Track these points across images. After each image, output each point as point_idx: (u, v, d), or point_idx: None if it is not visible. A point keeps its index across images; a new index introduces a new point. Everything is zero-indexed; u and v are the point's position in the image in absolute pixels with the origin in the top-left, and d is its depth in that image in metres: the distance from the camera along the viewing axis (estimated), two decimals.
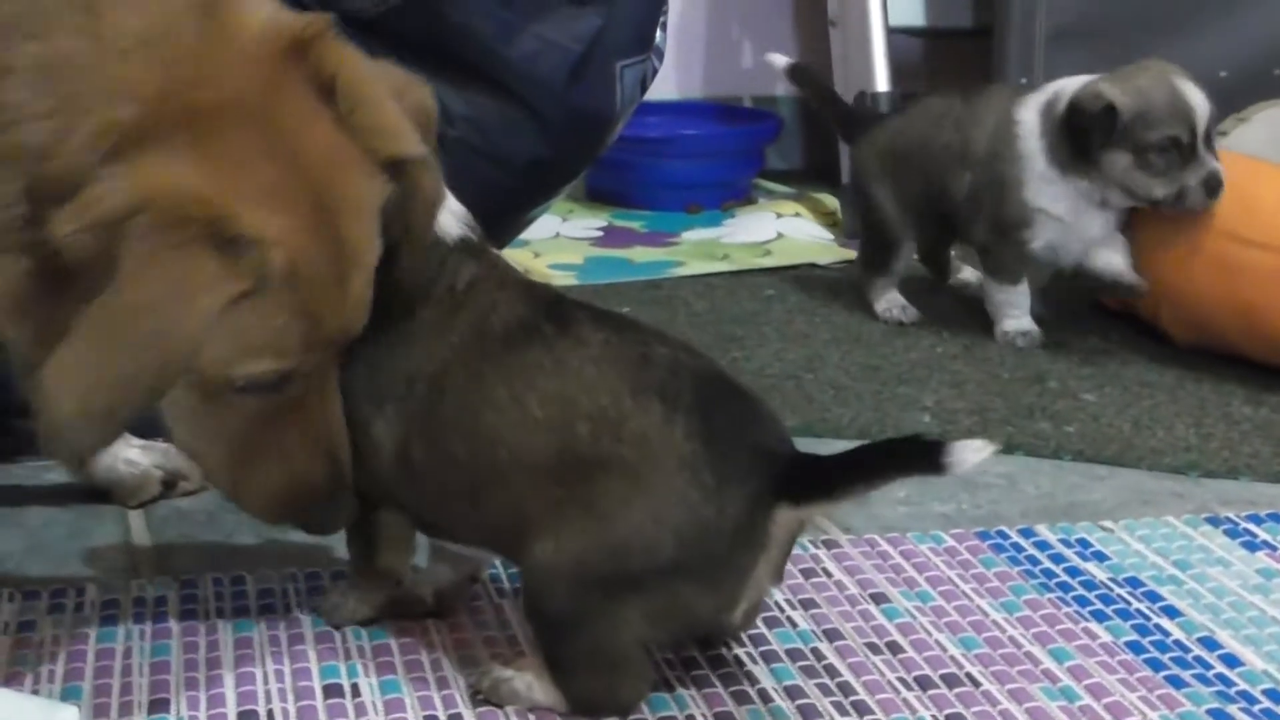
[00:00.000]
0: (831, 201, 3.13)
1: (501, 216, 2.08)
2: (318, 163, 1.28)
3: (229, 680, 1.42)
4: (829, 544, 1.69)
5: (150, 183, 1.20)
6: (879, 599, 1.58)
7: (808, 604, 1.57)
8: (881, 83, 3.05)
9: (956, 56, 3.56)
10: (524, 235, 2.46)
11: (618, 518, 1.30)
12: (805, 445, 1.92)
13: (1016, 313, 2.42)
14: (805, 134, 3.58)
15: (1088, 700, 1.40)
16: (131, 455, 1.80)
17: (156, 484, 1.80)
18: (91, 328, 1.19)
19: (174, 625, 1.51)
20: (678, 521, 1.29)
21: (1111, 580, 1.64)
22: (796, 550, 1.65)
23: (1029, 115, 2.37)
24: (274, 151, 1.26)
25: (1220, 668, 1.46)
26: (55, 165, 1.22)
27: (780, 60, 2.77)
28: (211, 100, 1.24)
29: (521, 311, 1.39)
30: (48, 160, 1.22)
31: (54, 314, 1.21)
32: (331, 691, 1.40)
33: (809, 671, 1.44)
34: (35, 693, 1.40)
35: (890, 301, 2.54)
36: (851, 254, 2.80)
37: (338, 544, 1.58)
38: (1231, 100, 2.79)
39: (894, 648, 1.49)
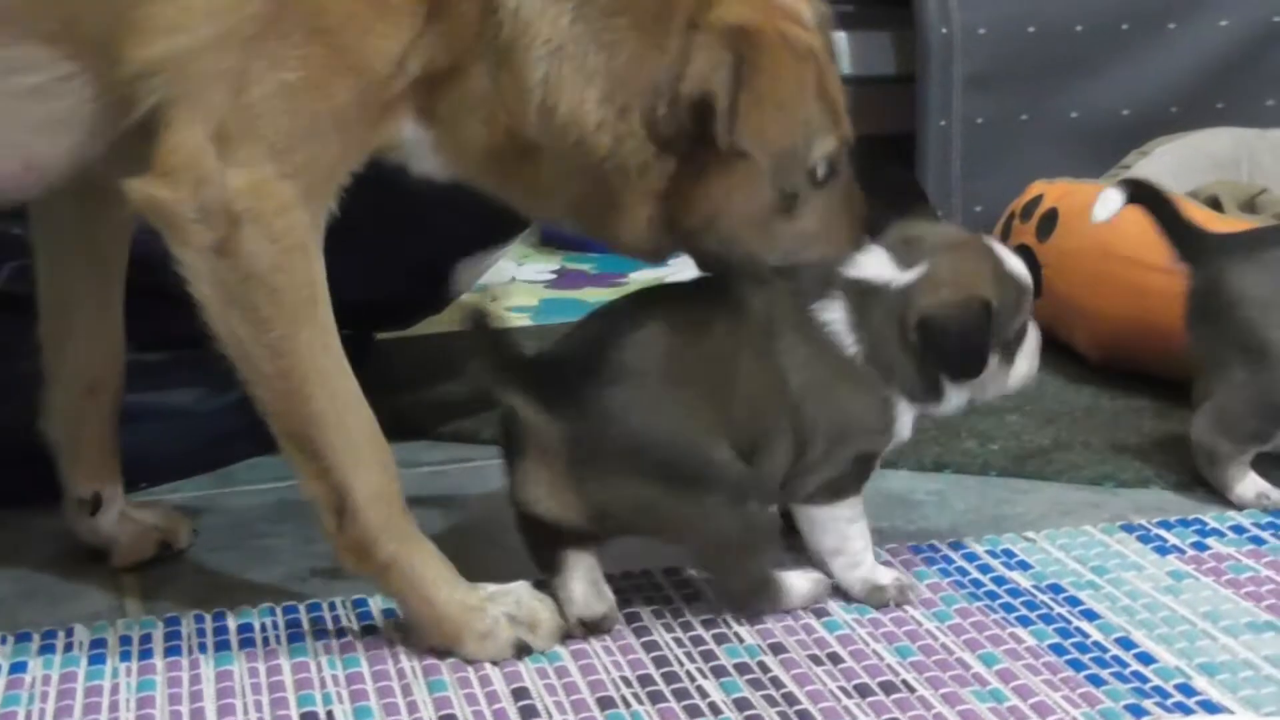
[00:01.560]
0: None
1: (456, 261, 2.08)
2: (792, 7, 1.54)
3: (211, 712, 1.42)
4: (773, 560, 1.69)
5: (730, 22, 1.46)
6: (820, 613, 1.58)
7: (753, 619, 1.56)
8: None
9: (881, 102, 3.57)
10: (482, 280, 2.45)
11: None
12: None
13: None
14: None
15: (1015, 701, 1.41)
16: (130, 513, 1.77)
17: (153, 544, 1.77)
18: (760, 103, 1.44)
19: (158, 662, 1.50)
20: None
21: (1035, 587, 1.64)
22: None
23: None
24: None
25: (1136, 665, 1.47)
26: (662, 66, 1.45)
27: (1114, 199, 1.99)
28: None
29: None
30: (656, 70, 1.45)
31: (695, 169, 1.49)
32: None
33: (755, 684, 1.44)
34: None
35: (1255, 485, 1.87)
36: None
37: (309, 580, 1.57)
38: (1134, 136, 2.81)
39: (835, 658, 1.49)
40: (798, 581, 1.58)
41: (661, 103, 1.44)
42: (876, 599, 1.59)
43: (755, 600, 1.56)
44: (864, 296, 1.57)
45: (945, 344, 1.56)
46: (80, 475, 1.74)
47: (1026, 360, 1.66)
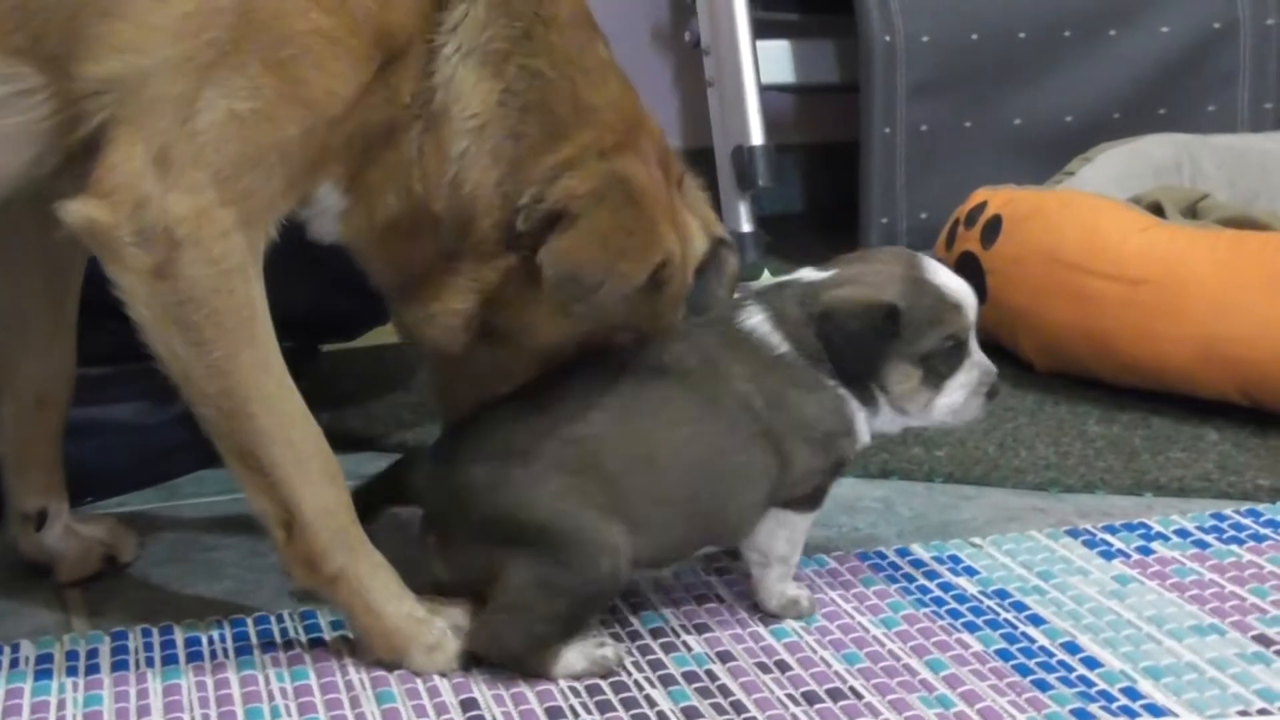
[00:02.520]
0: None
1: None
2: (680, 215, 1.58)
3: None
4: (720, 570, 1.70)
5: (626, 169, 1.49)
6: (768, 620, 1.59)
7: (701, 628, 1.57)
8: (756, 137, 3.07)
9: (825, 111, 3.59)
10: None
11: None
12: None
13: None
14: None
15: (962, 706, 1.41)
16: (75, 527, 1.76)
17: (98, 559, 1.76)
18: (590, 230, 1.46)
19: (105, 677, 1.50)
20: None
21: (981, 593, 1.65)
22: (689, 576, 1.67)
23: None
24: (668, 192, 1.56)
25: (1082, 670, 1.48)
26: (546, 174, 1.48)
27: None
28: (647, 143, 1.55)
29: None
30: (541, 176, 1.48)
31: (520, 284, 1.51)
32: None
33: (704, 692, 1.45)
34: None
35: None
36: None
37: (256, 594, 1.57)
38: (1077, 142, 2.83)
39: (782, 666, 1.50)
40: (572, 655, 1.48)
41: (528, 196, 1.47)
42: (793, 611, 1.59)
43: (528, 661, 1.48)
44: (778, 294, 1.58)
45: (837, 338, 1.54)
46: (26, 490, 1.74)
47: (961, 392, 1.58)
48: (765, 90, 3.13)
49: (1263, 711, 1.40)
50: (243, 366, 1.42)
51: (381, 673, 1.48)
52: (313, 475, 1.46)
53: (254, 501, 1.47)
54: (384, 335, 2.31)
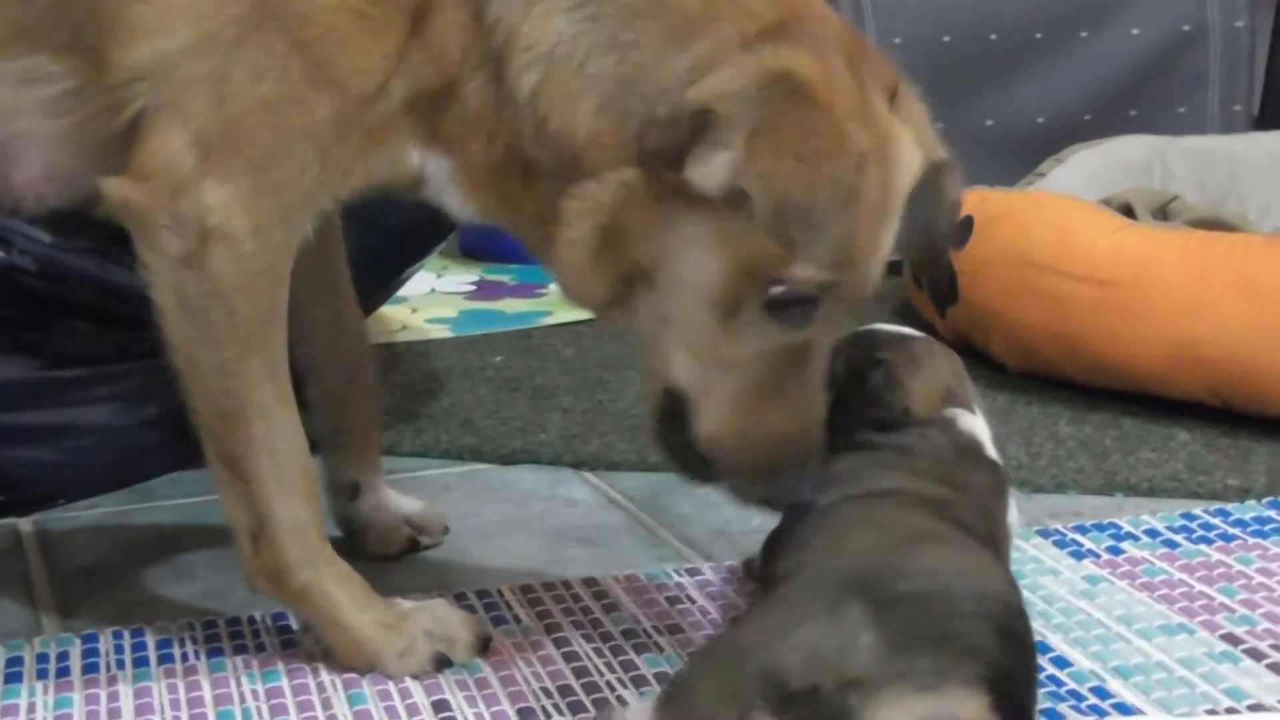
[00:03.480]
0: None
1: (377, 277, 2.08)
2: (880, 119, 1.34)
3: None
4: (691, 571, 1.70)
5: (787, 64, 1.27)
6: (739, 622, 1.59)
7: (673, 629, 1.57)
8: None
9: None
10: (401, 292, 2.46)
11: None
12: (669, 479, 1.95)
13: None
14: None
15: None
16: (390, 504, 1.78)
17: (403, 539, 1.78)
18: (772, 148, 1.23)
19: (76, 680, 1.49)
20: None
21: None
22: (661, 578, 1.67)
23: None
24: (859, 90, 1.31)
25: (1052, 669, 1.48)
26: (675, 77, 1.30)
27: None
28: (821, 34, 1.32)
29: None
30: (668, 80, 1.30)
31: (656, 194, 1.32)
32: None
33: None
34: None
35: None
36: None
37: (229, 596, 1.57)
38: (1049, 144, 2.85)
39: None
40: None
41: (664, 106, 1.30)
42: None
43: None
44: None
45: None
46: (340, 463, 1.77)
47: None
48: None
49: (1230, 710, 1.40)
50: (250, 370, 1.41)
51: (354, 675, 1.48)
52: (290, 490, 1.45)
53: (228, 507, 1.46)
54: None
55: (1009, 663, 1.17)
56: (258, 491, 1.44)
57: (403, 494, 1.82)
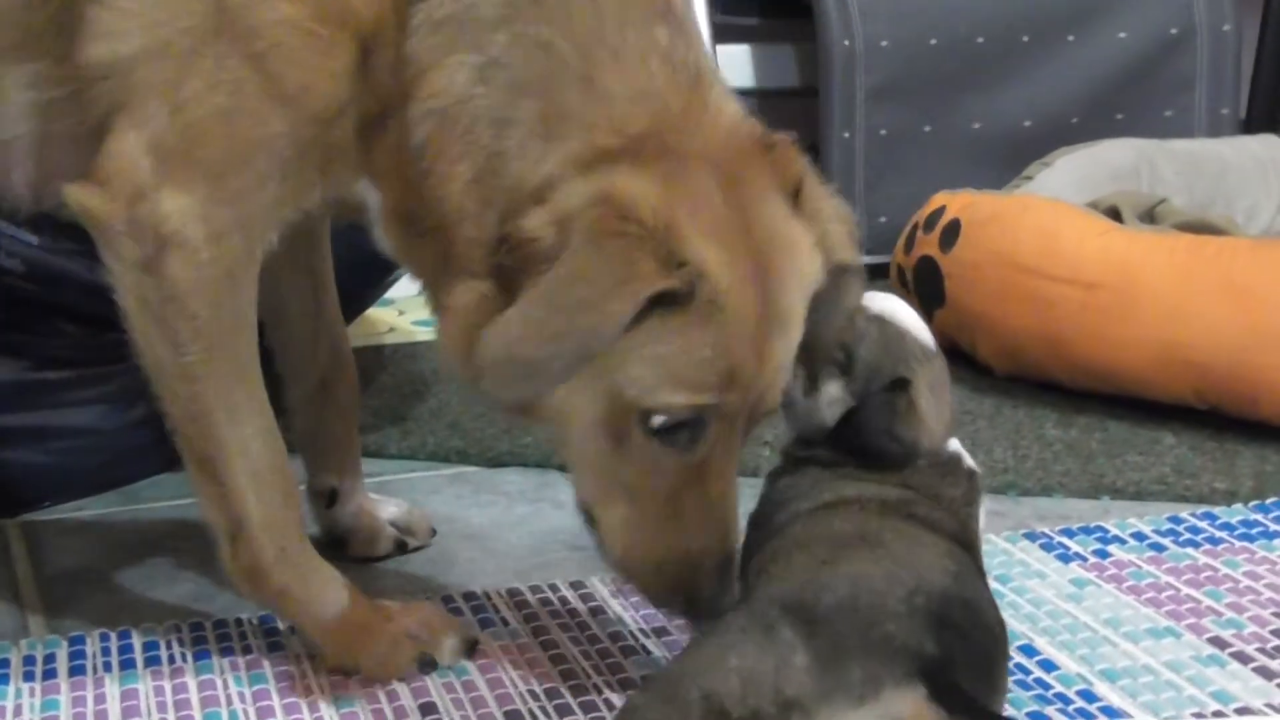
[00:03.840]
0: None
1: (364, 279, 2.08)
2: (768, 230, 1.32)
3: None
4: None
5: (612, 186, 1.26)
6: None
7: (660, 631, 1.57)
8: None
9: (785, 114, 3.59)
10: (388, 294, 2.45)
11: None
12: None
13: None
14: None
15: None
16: (372, 508, 1.79)
17: (389, 541, 1.78)
18: (533, 292, 1.25)
19: (63, 682, 1.49)
20: None
21: None
22: None
23: None
24: (730, 205, 1.30)
25: (1039, 673, 1.48)
26: (532, 180, 1.30)
27: None
28: (687, 146, 1.31)
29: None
30: (525, 181, 1.30)
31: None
32: None
33: None
34: None
35: None
36: None
37: (215, 598, 1.56)
38: (1036, 147, 2.85)
39: None
40: None
41: (510, 223, 1.30)
42: None
43: None
44: None
45: None
46: (318, 469, 1.78)
47: None
48: None
49: (1217, 714, 1.41)
50: (215, 374, 1.41)
51: (340, 677, 1.48)
52: (265, 491, 1.45)
53: (205, 509, 1.47)
54: None
55: (945, 652, 1.17)
56: (231, 493, 1.44)
57: (384, 497, 1.82)
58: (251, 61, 1.35)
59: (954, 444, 1.43)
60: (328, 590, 1.49)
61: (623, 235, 1.25)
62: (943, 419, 1.42)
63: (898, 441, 1.39)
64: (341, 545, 1.77)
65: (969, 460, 1.44)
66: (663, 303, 1.26)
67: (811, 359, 1.40)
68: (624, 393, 1.29)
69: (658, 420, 1.30)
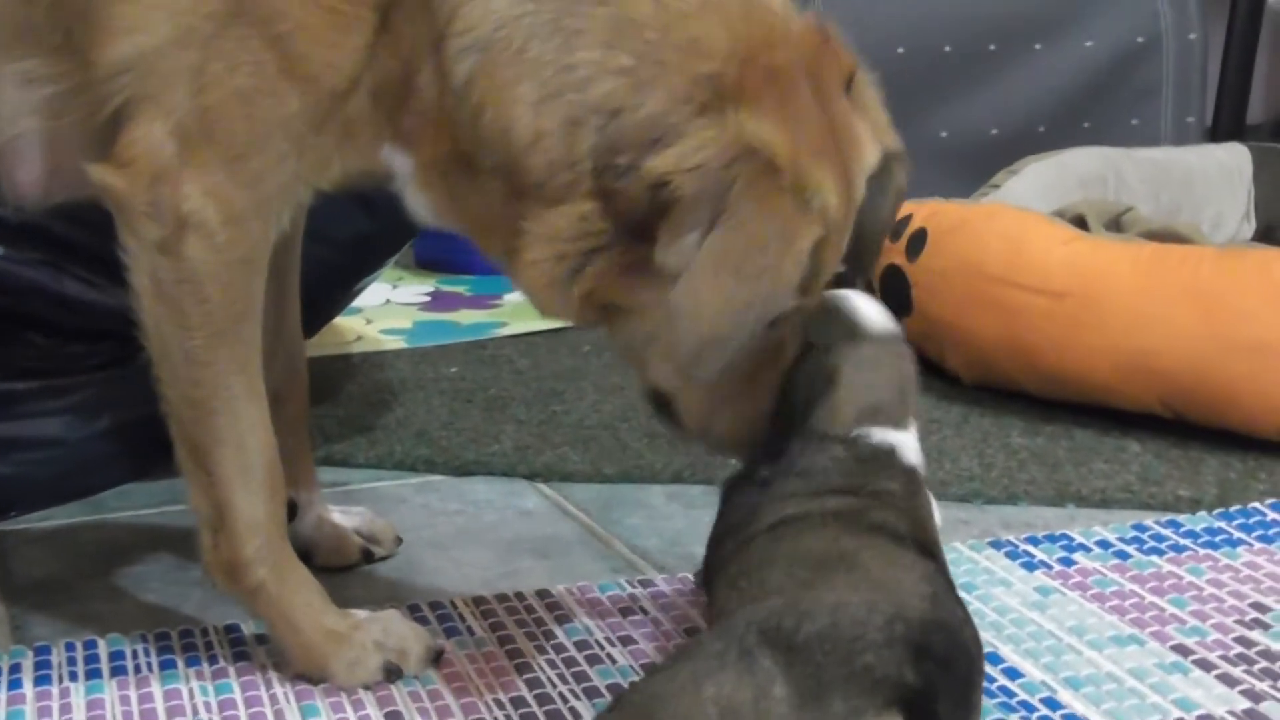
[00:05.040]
0: None
1: (330, 291, 2.09)
2: (846, 130, 1.36)
3: None
4: (645, 583, 1.71)
5: (749, 135, 1.26)
6: (692, 632, 1.60)
7: (626, 640, 1.58)
8: None
9: None
10: (356, 303, 2.46)
11: None
12: (622, 490, 1.96)
13: None
14: None
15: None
16: (333, 518, 1.78)
17: (356, 549, 1.78)
18: (717, 260, 1.26)
19: (28, 691, 1.49)
20: None
21: None
22: (614, 590, 1.68)
23: None
24: (822, 113, 1.33)
25: (1003, 680, 1.50)
26: (639, 116, 1.29)
27: None
28: (782, 62, 1.31)
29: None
30: (628, 113, 1.29)
31: (624, 249, 1.31)
32: None
33: None
34: None
35: None
36: None
37: (181, 607, 1.57)
38: (1003, 155, 2.87)
39: None
40: None
41: (623, 159, 1.29)
42: None
43: None
44: None
45: None
46: None
47: None
48: None
49: None
50: (219, 360, 1.42)
51: (306, 686, 1.48)
52: (253, 485, 1.46)
53: (192, 497, 1.47)
54: (311, 348, 2.32)
55: (925, 681, 1.17)
56: (219, 483, 1.45)
57: (345, 507, 1.82)
58: (273, 42, 1.35)
59: (892, 436, 1.44)
60: (302, 593, 1.50)
61: (778, 191, 1.26)
62: (859, 403, 1.43)
63: (811, 419, 1.42)
64: (307, 558, 1.76)
65: (911, 457, 1.45)
66: None
67: (865, 243, 1.45)
68: None
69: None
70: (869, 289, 1.51)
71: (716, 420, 1.45)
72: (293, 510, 1.76)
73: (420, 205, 1.45)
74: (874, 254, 1.52)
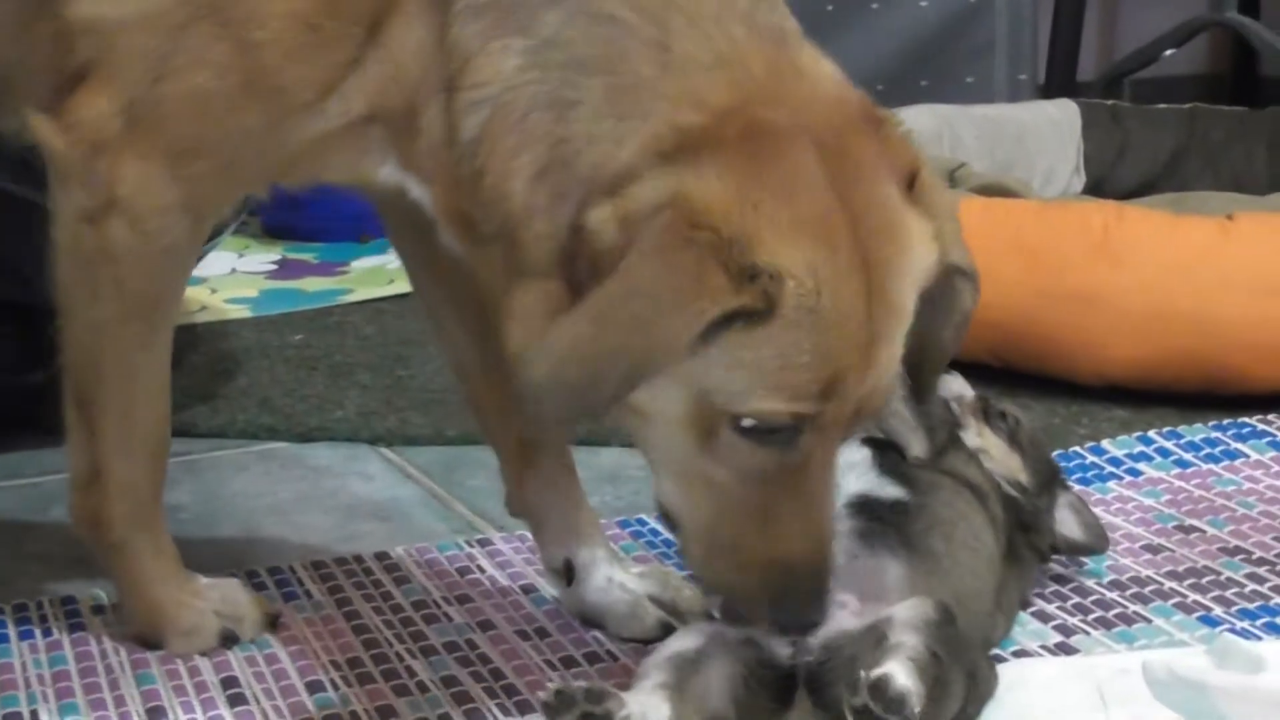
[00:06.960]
0: None
1: None
2: (880, 215, 1.19)
3: None
4: (482, 542, 1.72)
5: (683, 185, 1.14)
6: (528, 590, 1.61)
7: (463, 599, 1.59)
8: None
9: None
10: (200, 272, 2.45)
11: None
12: (465, 453, 1.96)
13: None
14: None
15: None
16: (626, 581, 1.53)
17: (653, 617, 1.51)
18: (587, 304, 1.14)
19: None
20: None
21: None
22: (453, 550, 1.69)
23: None
24: (831, 187, 1.17)
25: None
26: (608, 168, 1.18)
27: None
28: (780, 119, 1.18)
29: None
30: (600, 169, 1.18)
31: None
32: None
33: (464, 661, 1.47)
34: None
35: None
36: None
37: (16, 582, 1.56)
38: None
39: (542, 633, 1.52)
40: None
41: (585, 209, 1.18)
42: None
43: None
44: None
45: None
46: None
47: None
48: None
49: (995, 657, 1.45)
50: (125, 336, 1.41)
51: (142, 654, 1.48)
52: (133, 451, 1.46)
53: (71, 452, 1.47)
54: None
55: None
56: (100, 443, 1.45)
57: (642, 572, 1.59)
58: (244, 50, 1.31)
59: None
60: (158, 559, 1.50)
61: (690, 245, 1.12)
62: None
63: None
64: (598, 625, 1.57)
65: None
66: (742, 315, 1.14)
67: (919, 368, 1.30)
68: (712, 399, 1.17)
69: (749, 421, 1.18)
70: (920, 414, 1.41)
71: (725, 559, 1.25)
72: (570, 572, 1.56)
73: (449, 246, 1.36)
74: (930, 379, 1.36)
